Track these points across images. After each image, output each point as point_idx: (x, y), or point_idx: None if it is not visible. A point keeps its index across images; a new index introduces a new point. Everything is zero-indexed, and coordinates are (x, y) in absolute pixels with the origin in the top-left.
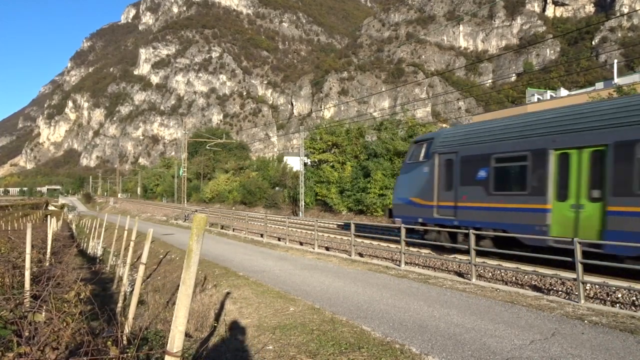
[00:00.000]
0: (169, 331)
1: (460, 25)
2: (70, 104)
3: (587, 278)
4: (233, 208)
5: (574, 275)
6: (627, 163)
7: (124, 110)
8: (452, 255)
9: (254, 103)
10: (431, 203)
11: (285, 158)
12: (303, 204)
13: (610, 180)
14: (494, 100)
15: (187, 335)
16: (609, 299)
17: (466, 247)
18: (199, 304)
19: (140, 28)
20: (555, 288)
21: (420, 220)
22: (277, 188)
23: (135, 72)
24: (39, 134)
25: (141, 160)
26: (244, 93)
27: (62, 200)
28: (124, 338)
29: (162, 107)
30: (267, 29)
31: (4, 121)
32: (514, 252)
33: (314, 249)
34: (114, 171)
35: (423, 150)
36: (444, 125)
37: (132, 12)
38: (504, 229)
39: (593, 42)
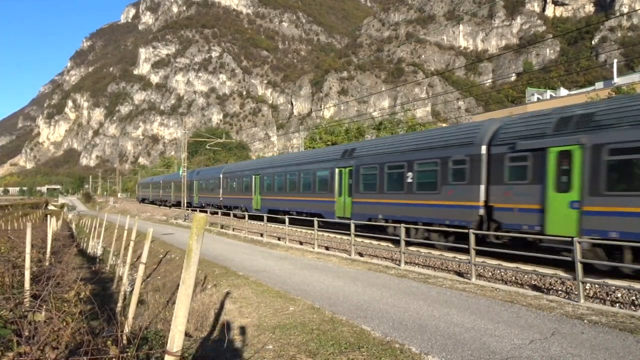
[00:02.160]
0: (169, 331)
1: (460, 25)
2: (70, 103)
3: (587, 278)
4: None
5: (573, 275)
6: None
7: (124, 109)
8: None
9: (254, 103)
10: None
11: None
12: None
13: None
14: (493, 100)
15: (187, 334)
16: (608, 298)
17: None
18: (199, 304)
19: (140, 28)
20: (555, 287)
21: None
22: None
23: (135, 72)
24: (38, 134)
25: (141, 160)
26: (244, 93)
27: (61, 200)
28: (124, 338)
29: (162, 107)
30: (267, 29)
31: (3, 121)
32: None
33: (313, 248)
34: (114, 171)
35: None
36: (444, 124)
37: (132, 11)
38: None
39: (593, 42)
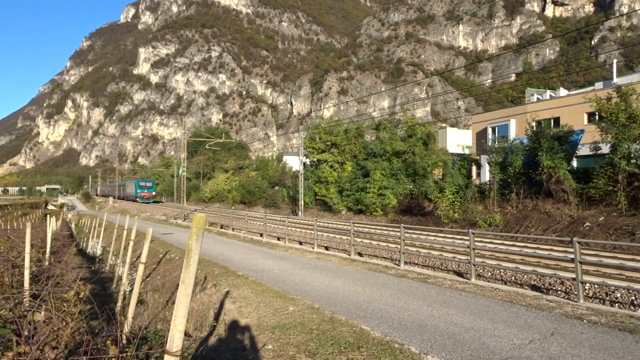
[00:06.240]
0: (169, 330)
1: (460, 25)
2: (69, 103)
3: (587, 278)
4: (232, 207)
5: (573, 275)
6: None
7: (124, 109)
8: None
9: (254, 102)
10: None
11: (284, 158)
12: (302, 203)
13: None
14: (493, 100)
15: (187, 334)
16: (607, 298)
17: None
18: (199, 304)
19: (139, 27)
20: (554, 288)
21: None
22: (276, 188)
23: (135, 72)
24: (38, 134)
25: (140, 160)
26: (244, 92)
27: (61, 200)
28: (124, 337)
29: (161, 107)
30: (267, 29)
31: (3, 120)
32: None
33: (313, 248)
34: (114, 170)
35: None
36: (444, 124)
37: (132, 11)
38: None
39: (592, 42)
